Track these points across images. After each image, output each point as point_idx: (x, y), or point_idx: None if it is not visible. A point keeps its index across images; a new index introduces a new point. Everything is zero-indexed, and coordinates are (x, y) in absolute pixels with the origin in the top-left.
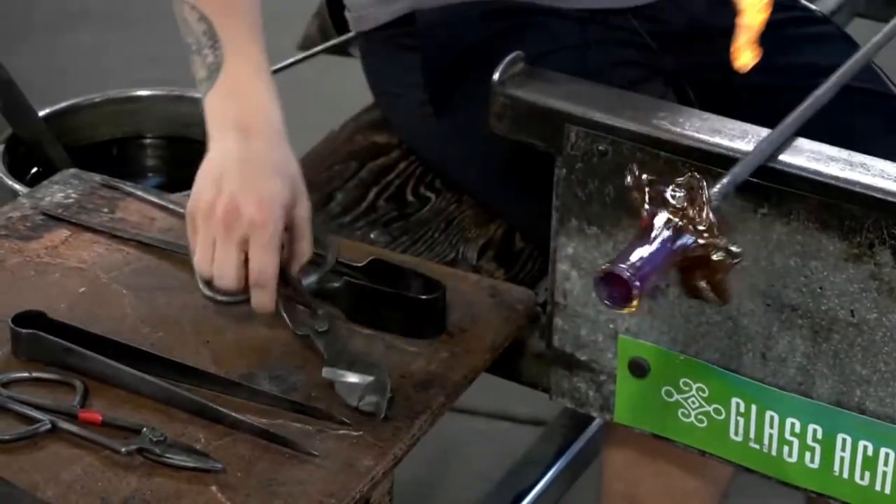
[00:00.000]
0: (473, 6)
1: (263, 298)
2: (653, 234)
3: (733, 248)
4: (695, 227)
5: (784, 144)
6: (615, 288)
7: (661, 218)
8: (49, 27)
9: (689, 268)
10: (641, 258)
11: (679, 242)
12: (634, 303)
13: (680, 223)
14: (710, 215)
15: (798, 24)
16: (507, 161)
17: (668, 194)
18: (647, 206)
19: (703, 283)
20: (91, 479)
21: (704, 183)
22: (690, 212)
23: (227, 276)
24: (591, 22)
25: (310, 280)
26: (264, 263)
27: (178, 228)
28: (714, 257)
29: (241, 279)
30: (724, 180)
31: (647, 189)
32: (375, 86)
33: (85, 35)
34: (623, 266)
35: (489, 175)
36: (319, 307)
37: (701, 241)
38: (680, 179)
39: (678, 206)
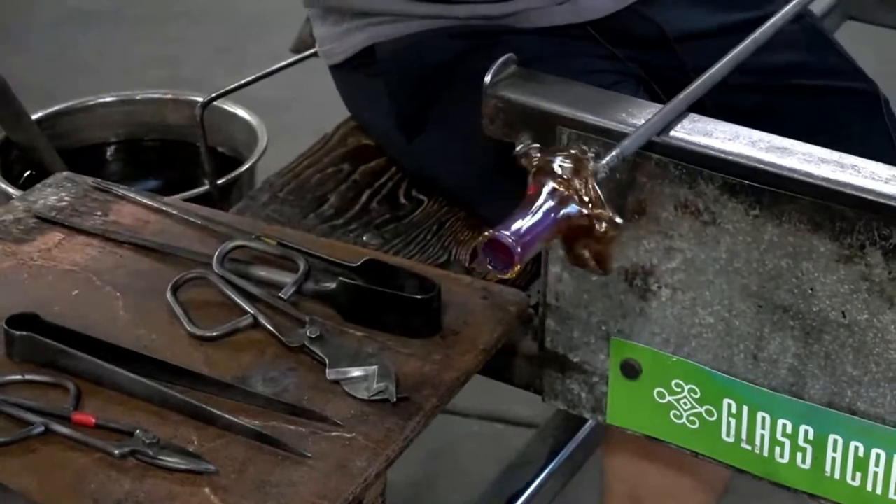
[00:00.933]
0: (432, 33)
1: None
2: (537, 203)
3: (617, 220)
4: (580, 197)
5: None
6: (498, 254)
7: (547, 187)
8: (50, 28)
9: (572, 237)
10: (524, 225)
11: (563, 212)
12: (516, 268)
13: (565, 193)
14: (595, 187)
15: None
16: (490, 170)
17: (555, 165)
18: (533, 175)
19: (585, 253)
20: (84, 481)
21: (590, 155)
22: (576, 182)
23: None
24: (553, 36)
25: (289, 292)
26: None
27: (172, 231)
28: (598, 227)
29: None
30: (612, 153)
31: (534, 158)
32: (351, 110)
33: (86, 36)
34: (506, 233)
35: (473, 186)
36: (306, 316)
37: (585, 212)
38: (566, 150)
39: (564, 176)
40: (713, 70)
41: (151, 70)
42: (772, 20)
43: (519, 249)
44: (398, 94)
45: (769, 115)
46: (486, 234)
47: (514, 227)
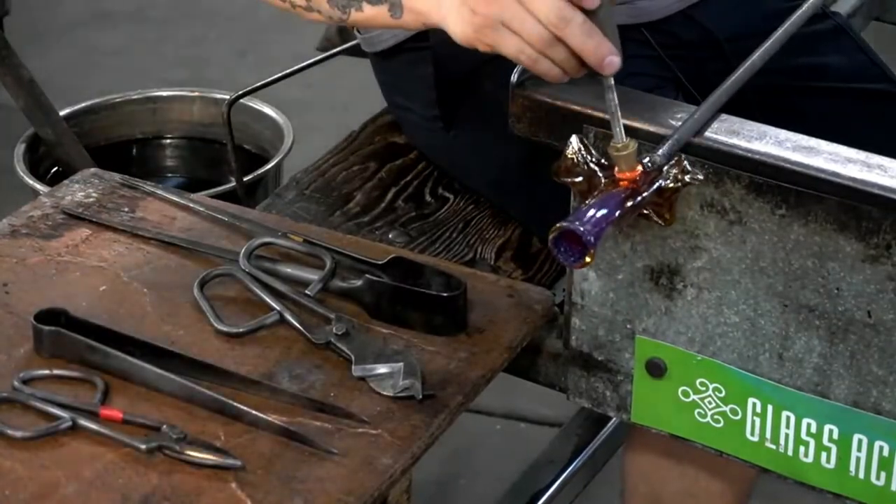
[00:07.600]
0: None
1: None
2: (603, 196)
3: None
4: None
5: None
6: (570, 246)
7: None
8: (74, 27)
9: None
10: (594, 216)
11: (629, 204)
12: (588, 259)
13: (630, 186)
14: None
15: (805, 24)
16: (520, 167)
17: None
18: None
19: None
20: (112, 475)
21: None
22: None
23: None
24: None
25: (315, 289)
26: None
27: (199, 228)
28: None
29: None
30: (662, 150)
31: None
32: (388, 98)
33: (110, 35)
34: (578, 223)
35: (503, 182)
36: (332, 313)
37: (646, 196)
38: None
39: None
40: (739, 72)
41: (175, 70)
42: (792, 17)
43: (591, 238)
44: (444, 80)
45: (796, 116)
46: (557, 226)
47: (586, 217)
